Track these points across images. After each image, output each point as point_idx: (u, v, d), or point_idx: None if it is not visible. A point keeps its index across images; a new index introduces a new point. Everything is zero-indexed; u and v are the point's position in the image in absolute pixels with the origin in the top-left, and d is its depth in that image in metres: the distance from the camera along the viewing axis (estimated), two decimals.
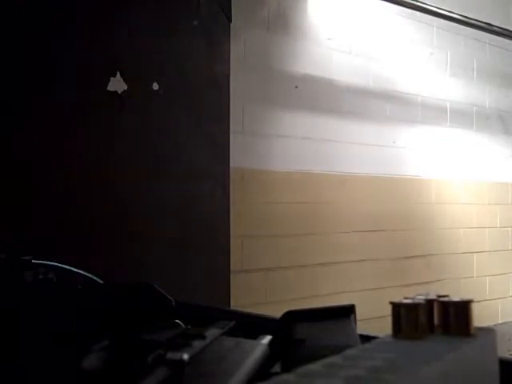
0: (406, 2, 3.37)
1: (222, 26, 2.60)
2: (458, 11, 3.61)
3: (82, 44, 2.21)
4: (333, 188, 3.27)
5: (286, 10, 3.11)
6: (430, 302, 0.47)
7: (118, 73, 2.26)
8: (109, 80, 2.24)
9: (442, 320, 0.47)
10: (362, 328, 0.72)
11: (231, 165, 2.64)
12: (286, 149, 3.08)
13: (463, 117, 4.00)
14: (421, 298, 0.47)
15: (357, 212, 3.36)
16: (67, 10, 2.18)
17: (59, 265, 1.00)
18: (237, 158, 2.75)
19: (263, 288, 2.94)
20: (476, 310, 0.46)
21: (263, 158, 3.00)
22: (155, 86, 2.35)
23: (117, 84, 2.25)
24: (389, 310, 0.46)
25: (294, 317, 0.72)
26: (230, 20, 2.61)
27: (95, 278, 1.01)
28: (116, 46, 2.29)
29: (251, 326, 0.79)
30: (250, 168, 2.92)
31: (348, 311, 0.73)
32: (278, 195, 3.04)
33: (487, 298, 4.02)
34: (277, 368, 0.66)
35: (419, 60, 3.76)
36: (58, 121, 2.14)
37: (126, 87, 2.27)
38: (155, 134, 2.37)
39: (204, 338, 0.62)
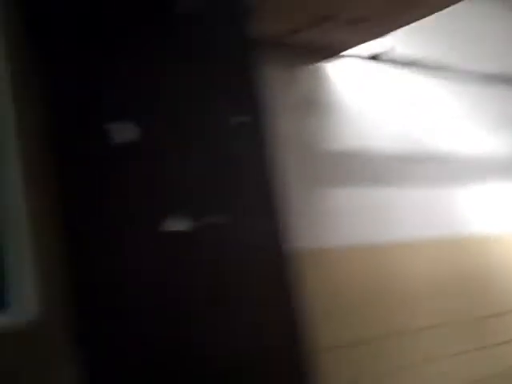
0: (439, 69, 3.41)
1: None
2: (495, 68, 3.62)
3: None
4: (394, 257, 3.19)
5: (313, 92, 3.16)
6: None
7: None
8: None
9: None
10: None
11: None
12: (339, 223, 3.04)
13: None
14: None
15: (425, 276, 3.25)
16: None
17: None
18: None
19: None
20: None
21: (318, 237, 2.95)
22: None
23: None
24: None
25: None
26: None
27: None
28: None
29: None
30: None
31: None
32: (340, 274, 2.98)
33: None
34: None
35: (458, 116, 3.76)
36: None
37: None
38: None
39: None
